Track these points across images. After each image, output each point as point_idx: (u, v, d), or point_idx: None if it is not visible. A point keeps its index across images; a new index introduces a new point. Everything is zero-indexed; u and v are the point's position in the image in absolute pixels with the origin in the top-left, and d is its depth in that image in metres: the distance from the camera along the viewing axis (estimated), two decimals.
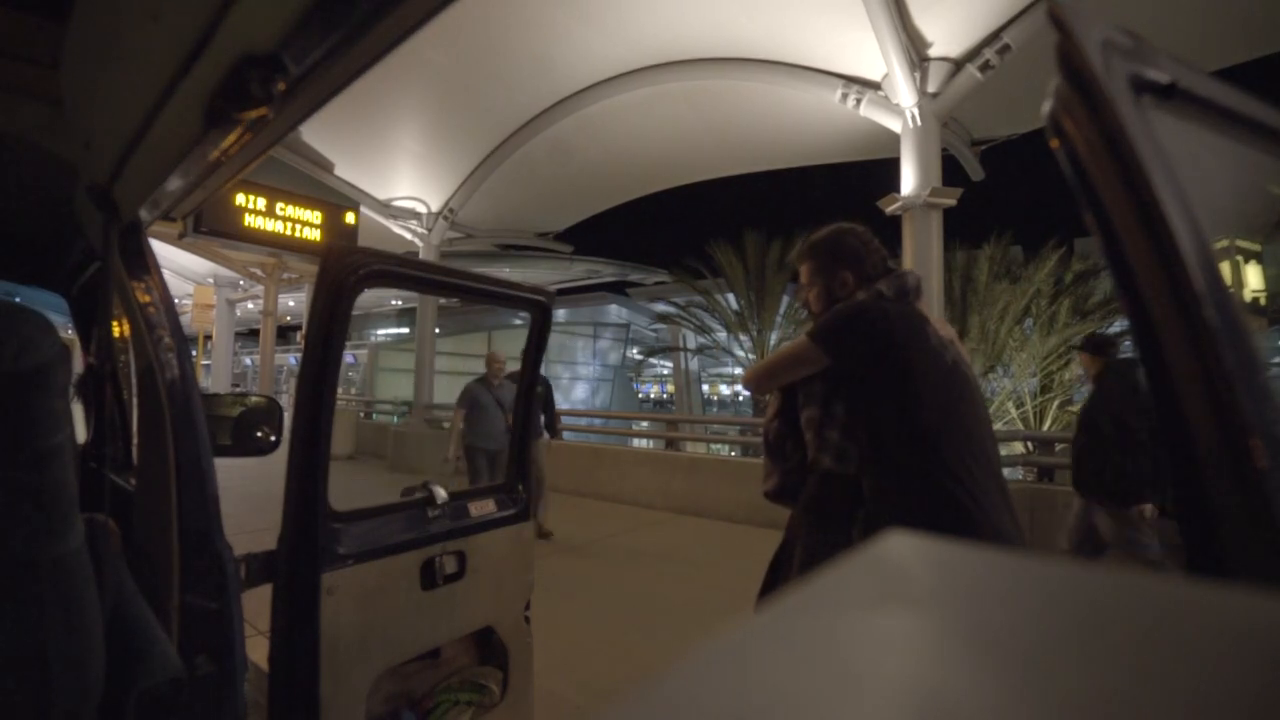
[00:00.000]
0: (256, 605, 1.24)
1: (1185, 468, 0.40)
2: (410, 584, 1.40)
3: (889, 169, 5.48)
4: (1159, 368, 0.41)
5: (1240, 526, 0.38)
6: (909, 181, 5.13)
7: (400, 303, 20.39)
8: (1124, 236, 0.41)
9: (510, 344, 16.88)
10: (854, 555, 0.22)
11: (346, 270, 1.18)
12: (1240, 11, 5.17)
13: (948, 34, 4.97)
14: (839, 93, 5.59)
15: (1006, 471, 6.64)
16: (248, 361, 26.37)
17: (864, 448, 1.28)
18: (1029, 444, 6.01)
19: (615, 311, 21.53)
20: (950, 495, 1.18)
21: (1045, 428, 8.32)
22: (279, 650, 1.21)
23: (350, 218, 9.60)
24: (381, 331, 25.58)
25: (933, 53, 5.08)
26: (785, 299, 11.36)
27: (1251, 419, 0.38)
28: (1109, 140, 0.40)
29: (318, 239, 9.26)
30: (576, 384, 20.13)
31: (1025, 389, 8.57)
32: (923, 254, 5.06)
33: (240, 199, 8.65)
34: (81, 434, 1.00)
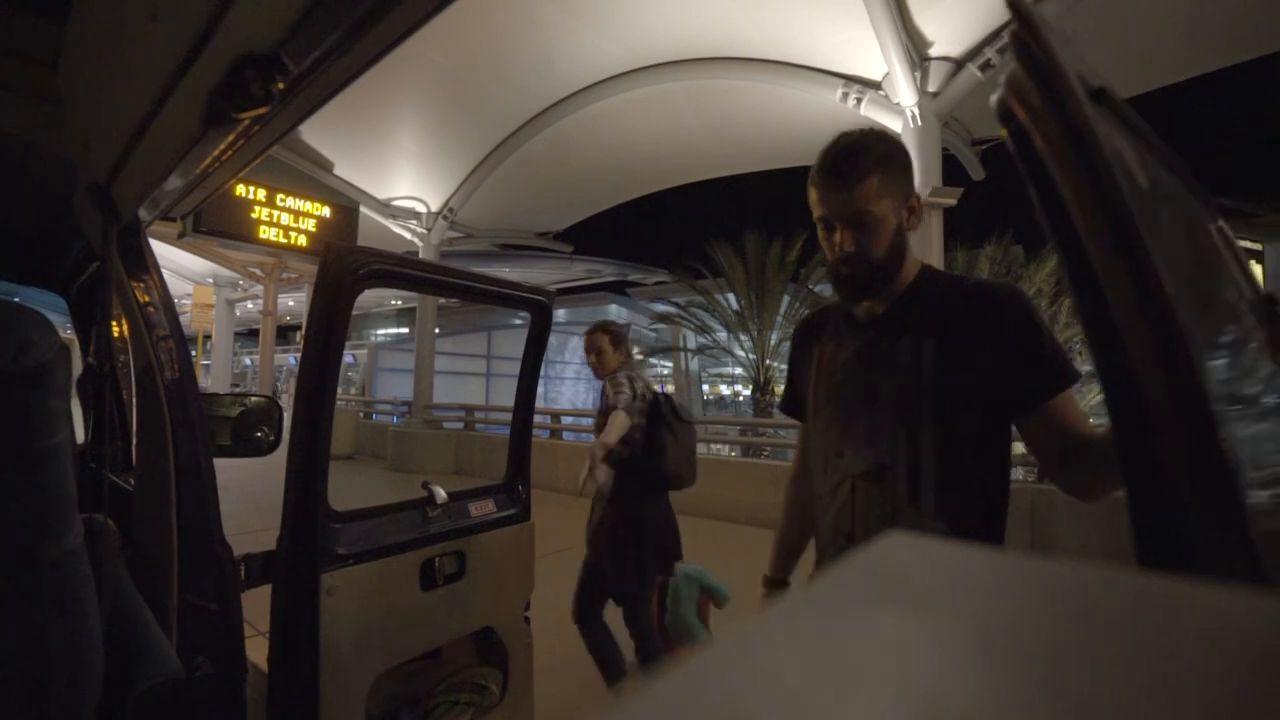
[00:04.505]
0: (256, 605, 1.24)
1: (1147, 473, 0.40)
2: (410, 584, 1.40)
3: None
4: (1120, 368, 0.40)
5: (1209, 529, 0.38)
6: None
7: (400, 303, 20.40)
8: (1083, 230, 0.40)
9: (510, 344, 16.94)
10: (854, 555, 0.22)
11: (346, 270, 1.18)
12: (1224, 16, 5.17)
13: (948, 33, 4.97)
14: (839, 92, 5.59)
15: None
16: (247, 361, 26.38)
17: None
18: None
19: (615, 311, 21.52)
20: None
21: None
22: (278, 650, 1.21)
23: (350, 217, 9.61)
24: (381, 331, 25.58)
25: (933, 52, 5.08)
26: (785, 299, 11.35)
27: (1219, 416, 0.38)
28: (1071, 131, 0.39)
29: (317, 238, 9.27)
30: (577, 384, 20.12)
31: None
32: (923, 254, 4.99)
33: (240, 198, 8.65)
34: (81, 434, 1.00)
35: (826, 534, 1.08)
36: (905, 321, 1.01)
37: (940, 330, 0.97)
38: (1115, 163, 0.39)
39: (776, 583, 1.29)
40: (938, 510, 0.95)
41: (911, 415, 0.97)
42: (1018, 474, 5.89)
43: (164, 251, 10.92)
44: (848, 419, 1.04)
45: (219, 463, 1.21)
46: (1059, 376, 0.93)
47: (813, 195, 1.02)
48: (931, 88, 5.12)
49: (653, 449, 2.37)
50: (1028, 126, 0.41)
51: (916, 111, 5.12)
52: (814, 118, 6.55)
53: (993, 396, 0.95)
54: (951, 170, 5.51)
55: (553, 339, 1.87)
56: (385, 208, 9.44)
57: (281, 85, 0.64)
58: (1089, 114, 0.39)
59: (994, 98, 0.43)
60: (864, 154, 0.97)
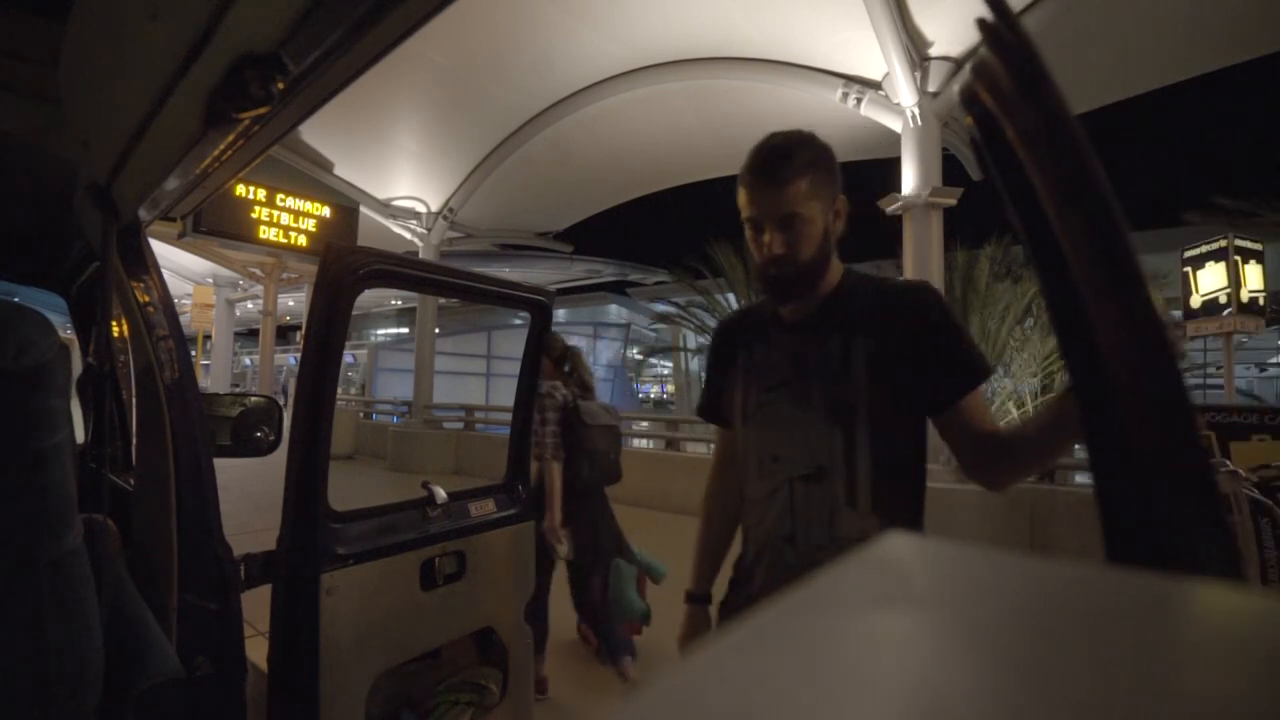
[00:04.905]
0: (256, 605, 1.24)
1: (1123, 470, 0.39)
2: (410, 584, 1.39)
3: (890, 168, 5.48)
4: (1093, 366, 0.39)
5: (1187, 525, 0.37)
6: (909, 181, 5.13)
7: (400, 303, 20.39)
8: (1057, 219, 0.39)
9: (510, 344, 16.94)
10: (854, 555, 0.22)
11: (346, 270, 1.18)
12: (1224, 16, 5.18)
13: (948, 33, 4.96)
14: (839, 92, 5.59)
15: None
16: (247, 361, 26.38)
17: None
18: None
19: (615, 311, 21.51)
20: None
21: None
22: (278, 651, 1.21)
23: (350, 217, 9.61)
24: (381, 331, 25.57)
25: (933, 52, 5.08)
26: None
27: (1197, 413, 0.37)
28: (1048, 118, 0.38)
29: (317, 238, 9.27)
30: None
31: (1026, 389, 8.57)
32: (923, 254, 5.06)
33: (240, 198, 8.65)
34: (81, 434, 1.00)
35: (763, 537, 1.07)
36: (835, 324, 1.02)
37: (868, 331, 0.99)
38: (1091, 151, 0.38)
39: (700, 598, 1.24)
40: (873, 507, 0.97)
41: (846, 416, 0.98)
42: None
43: (164, 251, 10.92)
44: (783, 422, 1.03)
45: (219, 463, 1.21)
46: (976, 372, 0.97)
47: (742, 196, 1.03)
48: (931, 88, 5.11)
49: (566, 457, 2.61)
50: (998, 114, 0.40)
51: (916, 111, 5.12)
52: (814, 118, 6.51)
53: (917, 393, 0.98)
54: (951, 170, 5.51)
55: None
56: (385, 208, 9.44)
57: (281, 85, 0.64)
58: (1067, 101, 0.38)
59: (959, 85, 0.42)
60: (794, 156, 0.98)
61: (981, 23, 0.39)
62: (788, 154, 0.98)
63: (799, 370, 1.03)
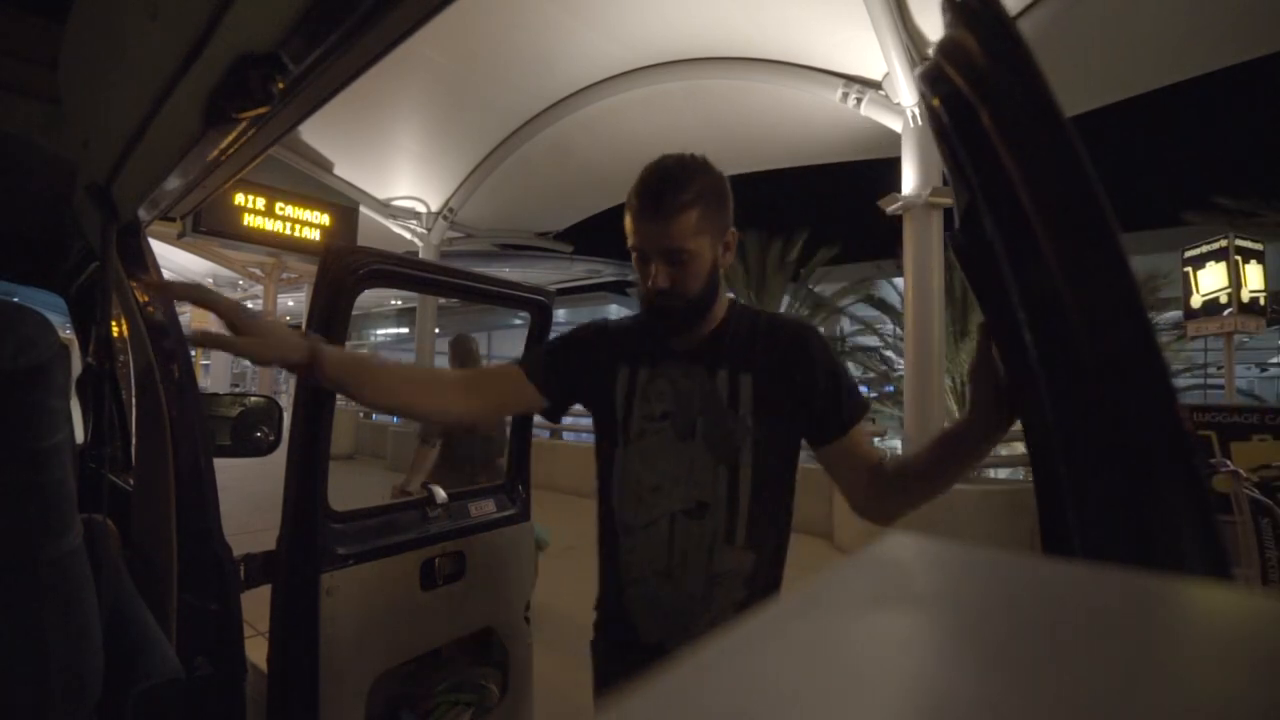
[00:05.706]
0: (256, 605, 1.24)
1: (1108, 465, 0.38)
2: (410, 584, 1.39)
3: (890, 168, 5.47)
4: (1074, 364, 0.38)
5: (1181, 518, 0.37)
6: (910, 181, 5.13)
7: (400, 303, 20.37)
8: (1039, 210, 0.37)
9: (510, 344, 16.89)
10: (854, 555, 0.22)
11: (346, 270, 1.18)
12: (1224, 16, 5.17)
13: None
14: (839, 92, 5.58)
15: (1007, 472, 6.57)
16: (247, 361, 26.33)
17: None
18: None
19: (615, 311, 21.50)
20: None
21: None
22: (278, 651, 1.21)
23: (350, 217, 9.59)
24: (381, 331, 25.54)
25: (933, 52, 5.07)
26: (785, 298, 11.37)
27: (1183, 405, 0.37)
28: (1034, 101, 0.36)
29: (317, 238, 9.25)
30: None
31: None
32: (923, 254, 5.06)
33: (239, 198, 8.62)
34: (81, 434, 1.00)
35: (634, 571, 1.02)
36: (721, 358, 1.01)
37: (754, 367, 0.99)
38: (1076, 135, 0.36)
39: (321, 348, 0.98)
40: (748, 542, 0.98)
41: (730, 452, 0.98)
42: (1019, 474, 5.89)
43: (164, 251, 10.91)
44: (665, 454, 1.00)
45: (219, 463, 1.21)
46: (858, 407, 0.99)
47: (628, 223, 0.96)
48: None
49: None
50: (971, 96, 0.38)
51: (917, 111, 5.12)
52: (814, 118, 6.54)
53: (798, 429, 1.01)
54: None
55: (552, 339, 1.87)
56: (385, 208, 9.43)
57: (281, 85, 0.64)
58: (1049, 83, 0.36)
59: (920, 69, 0.40)
60: (685, 187, 0.92)
61: (950, 3, 0.38)
62: (678, 184, 0.92)
63: (683, 403, 1.01)
